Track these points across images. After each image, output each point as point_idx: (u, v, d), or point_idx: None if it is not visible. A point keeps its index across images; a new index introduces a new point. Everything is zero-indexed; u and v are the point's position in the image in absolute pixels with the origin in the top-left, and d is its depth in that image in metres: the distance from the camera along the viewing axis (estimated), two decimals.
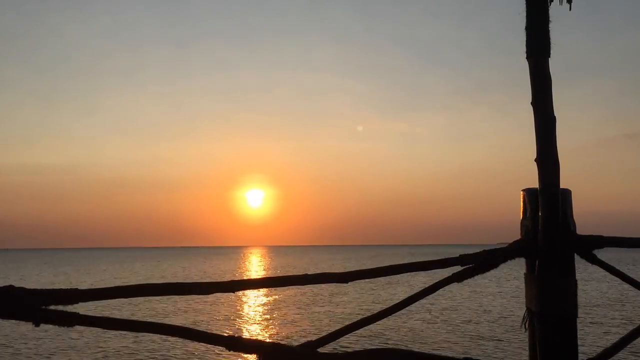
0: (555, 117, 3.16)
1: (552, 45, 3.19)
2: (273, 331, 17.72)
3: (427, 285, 3.21)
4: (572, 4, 3.38)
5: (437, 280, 3.20)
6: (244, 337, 2.78)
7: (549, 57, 3.19)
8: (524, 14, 3.22)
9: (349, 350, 3.20)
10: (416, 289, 3.19)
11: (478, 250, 3.19)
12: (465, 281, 3.19)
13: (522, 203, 3.30)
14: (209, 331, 2.80)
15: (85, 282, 39.78)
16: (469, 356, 3.09)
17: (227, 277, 28.59)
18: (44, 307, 2.44)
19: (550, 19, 3.20)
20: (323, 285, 25.96)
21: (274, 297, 26.86)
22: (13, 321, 2.50)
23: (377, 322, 3.24)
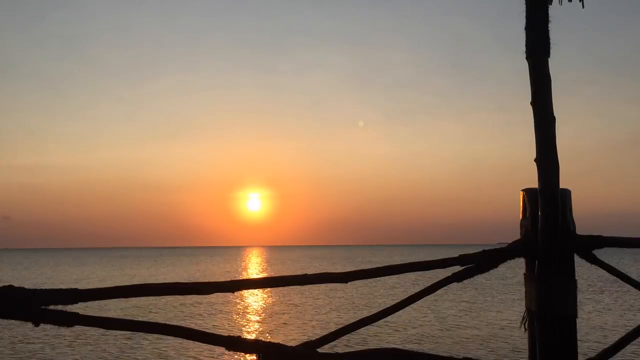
0: (555, 117, 3.16)
1: (551, 45, 3.20)
2: (273, 331, 17.72)
3: (427, 285, 3.21)
4: (584, 2, 3.37)
5: (436, 280, 3.21)
6: (243, 337, 2.78)
7: (549, 57, 3.19)
8: (524, 14, 3.23)
9: (349, 350, 3.19)
10: (416, 289, 3.19)
11: (478, 250, 3.20)
12: (465, 281, 3.20)
13: (522, 203, 3.30)
14: (209, 331, 2.80)
15: (85, 282, 39.83)
16: (468, 356, 3.10)
17: (227, 277, 28.63)
18: (43, 307, 2.45)
19: (550, 19, 3.21)
20: (323, 285, 25.97)
21: (273, 297, 26.86)
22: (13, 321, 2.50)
23: (377, 322, 3.24)
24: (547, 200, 3.09)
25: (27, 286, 2.48)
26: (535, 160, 3.15)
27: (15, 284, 2.46)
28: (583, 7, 3.37)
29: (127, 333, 13.84)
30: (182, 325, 2.94)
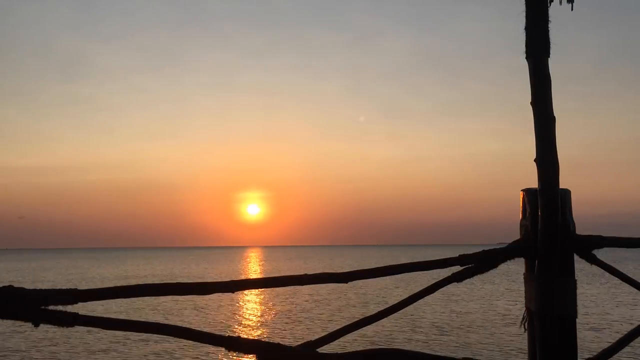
0: (554, 117, 3.16)
1: (551, 45, 3.19)
2: (272, 331, 17.71)
3: (427, 285, 3.21)
4: (573, 4, 3.38)
5: (436, 280, 3.20)
6: (243, 337, 2.77)
7: (549, 57, 3.19)
8: (524, 14, 3.22)
9: (349, 350, 3.19)
10: (416, 289, 3.19)
11: (478, 250, 3.19)
12: (465, 281, 3.19)
13: (521, 203, 3.30)
14: (208, 331, 2.80)
15: (86, 282, 39.80)
16: (468, 356, 3.09)
17: (227, 277, 28.58)
18: (43, 307, 2.44)
19: (550, 19, 3.20)
20: (323, 285, 25.95)
21: (273, 297, 26.84)
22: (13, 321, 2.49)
23: (377, 322, 3.24)
24: (547, 200, 3.08)
25: (24, 287, 2.47)
26: (535, 160, 3.15)
27: (12, 285, 2.45)
28: (572, 9, 3.37)
29: (127, 333, 13.83)
30: (182, 325, 2.93)
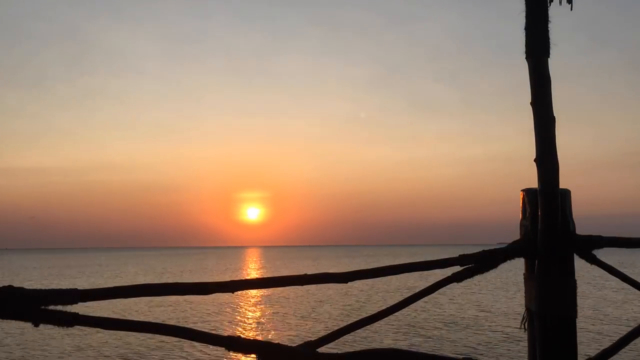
0: (554, 117, 3.16)
1: (551, 45, 3.19)
2: (272, 331, 17.71)
3: (426, 285, 3.21)
4: (572, 4, 3.38)
5: (436, 280, 3.20)
6: (243, 337, 2.77)
7: (549, 57, 3.19)
8: (524, 14, 3.23)
9: (349, 350, 3.19)
10: (416, 289, 3.19)
11: (478, 250, 3.19)
12: (465, 281, 3.19)
13: (521, 203, 3.30)
14: (208, 331, 2.80)
15: (86, 283, 39.80)
16: (468, 356, 3.09)
17: (227, 277, 28.60)
18: (43, 307, 2.43)
19: (550, 19, 3.20)
20: (323, 285, 25.95)
21: (273, 297, 26.84)
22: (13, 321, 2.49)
23: (377, 322, 3.24)
24: (547, 200, 3.08)
25: (23, 287, 2.47)
26: (535, 160, 3.15)
27: (12, 285, 2.45)
28: (572, 9, 3.37)
29: (128, 333, 13.84)
30: (182, 325, 2.93)
